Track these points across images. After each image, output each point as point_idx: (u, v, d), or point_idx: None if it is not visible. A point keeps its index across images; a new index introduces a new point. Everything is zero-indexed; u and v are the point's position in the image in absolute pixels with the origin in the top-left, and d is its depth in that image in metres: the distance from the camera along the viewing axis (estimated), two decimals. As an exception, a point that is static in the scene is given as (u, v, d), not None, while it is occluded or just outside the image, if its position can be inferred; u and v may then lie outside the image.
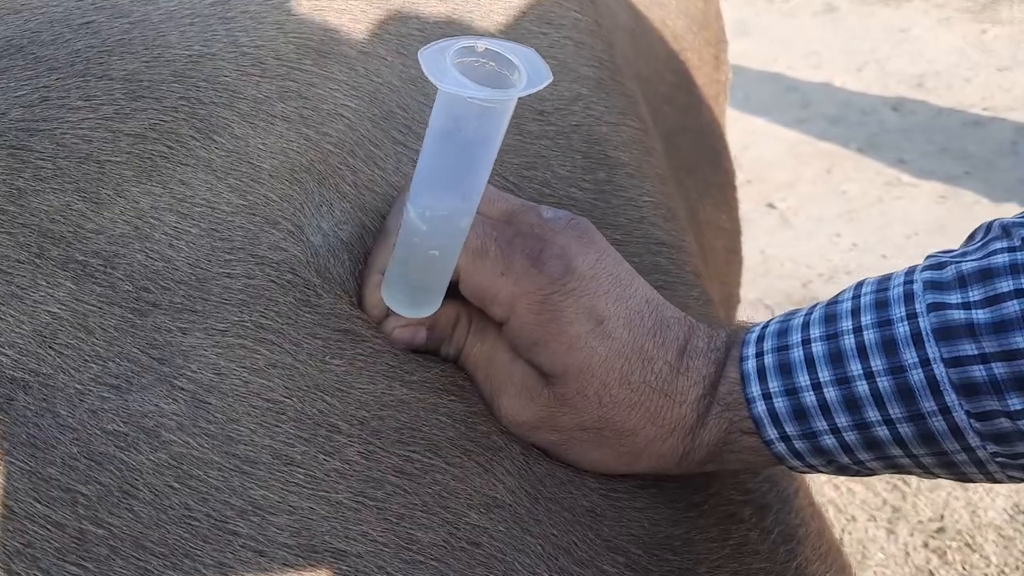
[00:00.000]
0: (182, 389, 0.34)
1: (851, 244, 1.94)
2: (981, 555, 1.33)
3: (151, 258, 0.37)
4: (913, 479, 1.47)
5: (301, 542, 0.32)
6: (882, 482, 1.47)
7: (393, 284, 0.40)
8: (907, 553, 1.36)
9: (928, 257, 0.37)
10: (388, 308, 0.40)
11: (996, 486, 1.43)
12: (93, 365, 0.34)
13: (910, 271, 0.37)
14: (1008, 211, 1.92)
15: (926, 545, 1.35)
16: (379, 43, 0.47)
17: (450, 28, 0.50)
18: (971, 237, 0.38)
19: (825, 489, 1.43)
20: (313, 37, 0.46)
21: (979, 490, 1.42)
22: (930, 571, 1.32)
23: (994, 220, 0.37)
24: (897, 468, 0.37)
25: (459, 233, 0.38)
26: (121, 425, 0.32)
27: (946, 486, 1.44)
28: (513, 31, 0.47)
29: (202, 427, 0.33)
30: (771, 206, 2.11)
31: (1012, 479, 0.36)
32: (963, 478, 0.37)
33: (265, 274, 0.38)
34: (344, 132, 0.43)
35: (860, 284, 0.38)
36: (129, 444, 0.32)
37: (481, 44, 0.36)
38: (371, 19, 0.48)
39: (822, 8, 3.00)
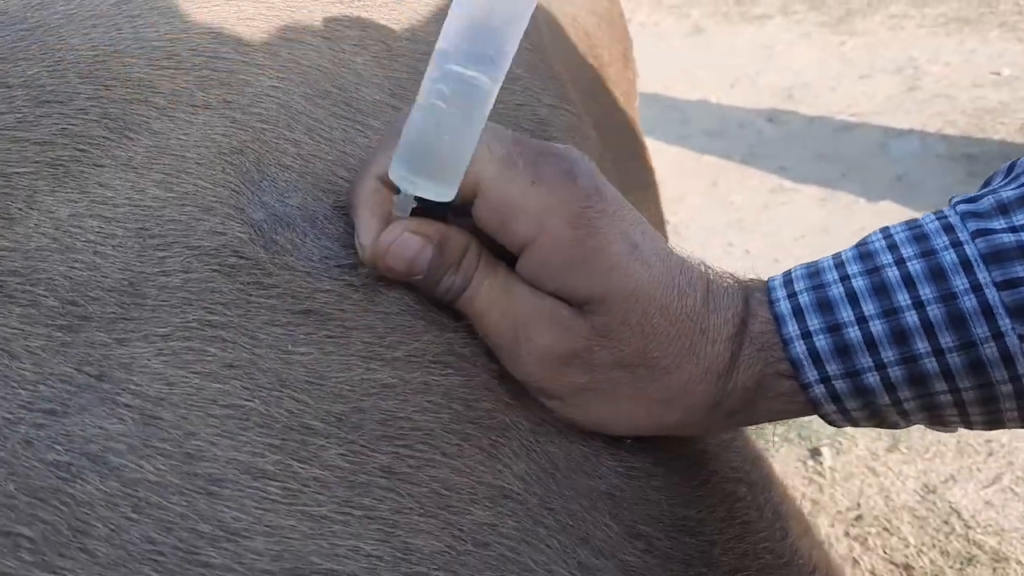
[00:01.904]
0: (127, 406, 0.29)
1: (744, 251, 2.00)
2: (899, 537, 1.37)
3: (75, 269, 0.32)
4: (827, 471, 1.50)
5: (284, 567, 0.28)
6: (799, 477, 1.50)
7: (409, 155, 0.34)
8: (830, 543, 1.38)
9: (953, 197, 0.36)
10: (391, 213, 0.35)
11: (905, 469, 1.48)
12: (21, 391, 0.29)
13: (937, 211, 0.35)
14: (885, 209, 2.02)
15: (847, 534, 1.38)
16: (304, 30, 0.44)
17: (376, 11, 0.47)
18: (989, 181, 0.37)
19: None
20: (229, 27, 0.42)
21: (890, 475, 1.47)
22: (854, 559, 1.35)
23: (1017, 159, 0.36)
24: (933, 408, 0.35)
25: (488, 98, 0.33)
26: (62, 454, 0.28)
27: (858, 474, 1.48)
28: (444, 14, 0.45)
29: (156, 446, 0.29)
30: (664, 221, 2.15)
31: None
32: (996, 419, 0.35)
33: (205, 264, 0.33)
34: (276, 110, 0.39)
35: (884, 228, 0.36)
36: (74, 474, 0.27)
37: None
38: (291, 5, 0.45)
39: (691, 30, 3.11)
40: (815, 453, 1.53)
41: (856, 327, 0.34)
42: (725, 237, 2.06)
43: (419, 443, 0.32)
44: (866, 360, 0.34)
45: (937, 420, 0.36)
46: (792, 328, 0.35)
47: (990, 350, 0.32)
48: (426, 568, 0.29)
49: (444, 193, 0.34)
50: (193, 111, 0.38)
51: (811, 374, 0.35)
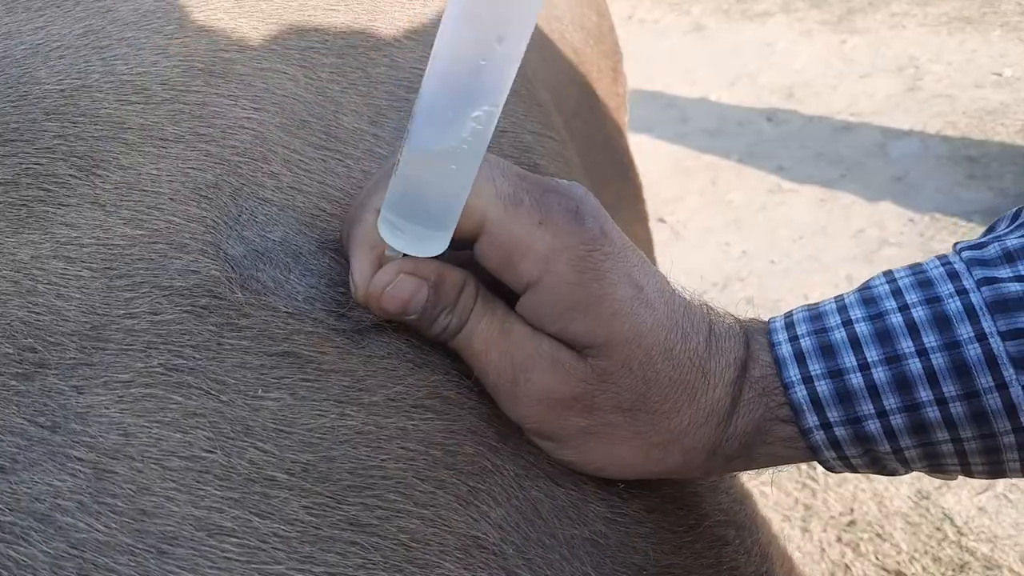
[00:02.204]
0: (79, 459, 0.29)
1: (741, 252, 1.99)
2: (892, 543, 1.37)
3: (35, 313, 0.32)
4: (821, 476, 1.50)
5: (240, 627, 0.28)
6: (792, 482, 1.50)
7: (397, 212, 0.32)
8: (823, 549, 1.39)
9: (956, 244, 0.36)
10: (384, 254, 0.33)
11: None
12: (-30, 444, 0.29)
13: (940, 257, 0.35)
14: (884, 209, 2.02)
15: (839, 539, 1.37)
16: (278, 58, 0.43)
17: (353, 37, 0.46)
18: (992, 227, 0.36)
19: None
20: (200, 59, 0.41)
21: (883, 481, 1.47)
22: (845, 565, 1.35)
23: (1021, 207, 0.36)
24: (933, 458, 0.35)
25: (483, 137, 0.31)
26: (6, 514, 0.27)
27: (852, 480, 1.48)
28: (423, 38, 0.44)
29: (107, 503, 0.28)
30: (661, 220, 2.15)
31: None
32: (998, 470, 0.35)
33: (174, 304, 0.33)
34: (252, 142, 0.38)
35: (887, 272, 0.36)
36: (17, 535, 0.27)
37: None
38: (265, 35, 0.44)
39: (691, 27, 3.10)
40: (809, 458, 1.52)
41: (859, 373, 0.34)
42: (722, 236, 2.06)
43: (389, 492, 0.31)
44: (868, 407, 0.34)
45: (938, 468, 0.35)
46: (793, 372, 0.35)
47: (993, 401, 0.32)
48: (387, 627, 0.29)
49: (435, 247, 0.33)
50: (164, 145, 0.37)
51: (811, 419, 0.35)
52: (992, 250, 0.33)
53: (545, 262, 0.33)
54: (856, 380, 0.34)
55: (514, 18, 0.29)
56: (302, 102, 0.42)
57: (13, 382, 0.30)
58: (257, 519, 0.29)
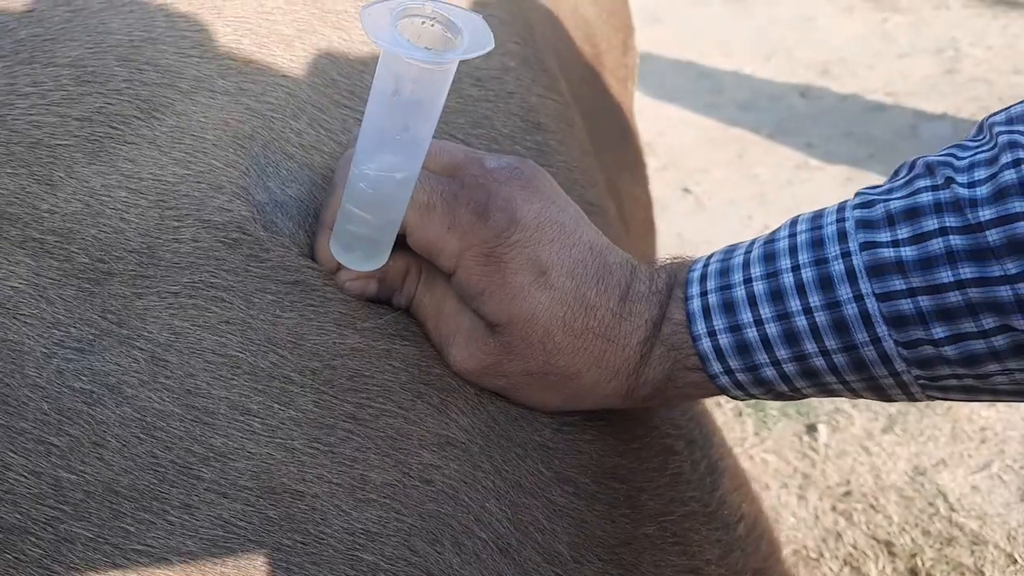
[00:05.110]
0: (141, 349, 0.36)
1: (763, 225, 2.02)
2: (884, 515, 1.38)
3: (104, 232, 0.39)
4: (821, 447, 1.54)
5: (261, 484, 0.35)
6: (793, 451, 1.53)
7: (341, 238, 0.40)
8: (816, 517, 1.40)
9: (857, 194, 0.39)
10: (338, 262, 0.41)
11: (898, 451, 1.51)
12: (55, 331, 0.36)
13: (840, 208, 0.39)
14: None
15: (834, 508, 1.40)
16: (316, 20, 0.49)
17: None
18: (896, 173, 0.40)
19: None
20: (250, 19, 0.48)
21: (882, 455, 1.49)
22: (837, 533, 1.37)
23: (918, 157, 0.39)
24: (829, 392, 0.40)
25: (404, 189, 0.39)
26: (86, 383, 0.35)
27: (851, 453, 1.51)
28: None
29: (162, 383, 0.35)
30: (686, 190, 2.17)
31: (930, 398, 0.39)
32: (886, 399, 0.40)
33: (212, 235, 0.39)
34: (285, 99, 0.45)
35: (795, 221, 0.40)
36: (95, 400, 0.34)
37: (428, 6, 0.36)
38: (306, 1, 0.50)
39: (732, -2, 3.09)
40: (811, 429, 1.55)
41: (753, 328, 0.39)
42: (746, 210, 2.08)
43: (379, 397, 0.39)
44: (763, 357, 0.40)
45: (830, 395, 0.41)
46: (701, 327, 0.40)
47: (870, 352, 0.37)
48: (376, 496, 0.36)
49: (375, 265, 0.41)
50: (212, 96, 0.44)
51: (716, 367, 0.41)
52: (878, 211, 0.37)
53: (455, 259, 0.41)
54: (752, 334, 0.39)
55: (414, 116, 0.37)
56: (332, 61, 0.48)
57: (87, 285, 0.37)
58: (277, 406, 0.36)
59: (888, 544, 1.35)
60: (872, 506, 1.41)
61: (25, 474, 0.32)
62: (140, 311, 0.37)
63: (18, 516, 0.32)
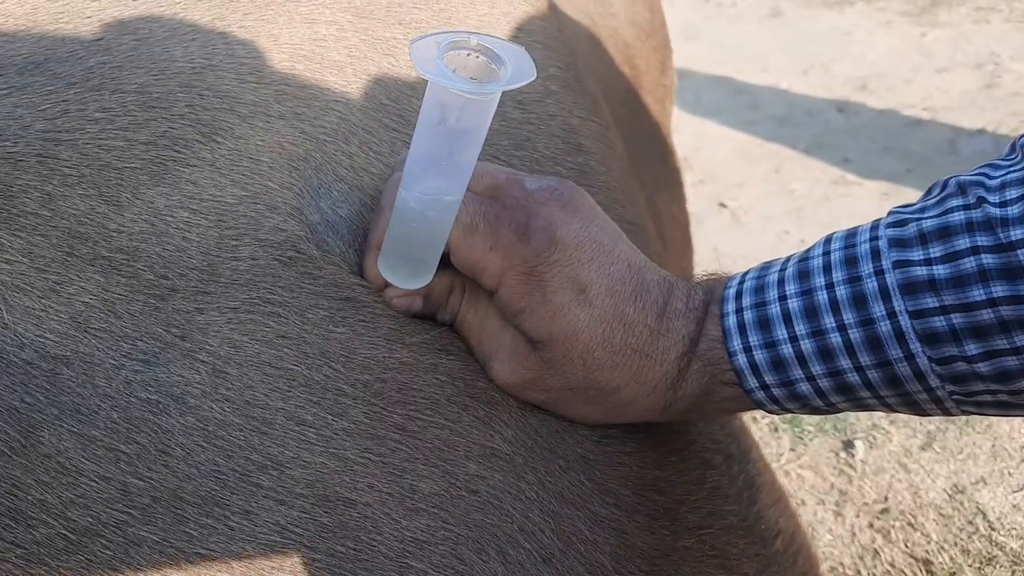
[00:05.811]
0: (203, 361, 0.38)
1: (799, 241, 2.01)
2: (923, 533, 1.37)
3: (167, 250, 0.41)
4: (858, 464, 1.53)
5: (315, 493, 0.36)
6: (830, 467, 1.52)
7: (389, 258, 0.42)
8: (853, 533, 1.39)
9: (890, 212, 0.40)
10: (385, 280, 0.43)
11: (937, 468, 1.50)
12: (124, 344, 0.38)
13: (874, 226, 0.40)
14: (946, 207, 2.01)
15: (871, 525, 1.39)
16: (366, 47, 0.51)
17: (429, 30, 0.54)
18: (929, 192, 0.40)
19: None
20: (304, 46, 0.50)
21: (920, 472, 1.48)
22: (875, 550, 1.36)
23: (950, 177, 0.39)
24: (864, 407, 0.41)
25: (449, 212, 0.41)
26: (153, 394, 0.36)
27: (888, 470, 1.50)
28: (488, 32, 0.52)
29: (223, 394, 0.37)
30: (723, 205, 2.18)
31: (965, 412, 0.40)
32: (922, 413, 0.41)
33: (268, 254, 0.41)
34: (337, 123, 0.47)
35: (829, 239, 0.41)
36: (161, 410, 0.36)
37: (473, 39, 0.37)
38: (357, 28, 0.52)
39: (768, 12, 3.09)
40: (848, 445, 1.54)
41: (788, 344, 0.40)
42: (782, 225, 2.08)
43: (427, 409, 0.40)
44: (798, 372, 0.41)
45: (864, 410, 0.42)
46: (736, 343, 0.42)
47: (903, 368, 0.38)
48: (425, 505, 0.38)
49: (421, 284, 0.43)
50: (269, 120, 0.46)
51: (752, 382, 0.42)
52: (911, 230, 0.38)
53: (497, 278, 0.42)
54: (787, 350, 0.40)
55: (459, 143, 0.39)
56: (382, 86, 0.50)
57: (152, 300, 0.39)
58: (330, 417, 0.38)
59: (927, 563, 1.34)
60: (910, 524, 1.40)
61: (96, 479, 0.34)
62: (202, 325, 0.39)
63: (90, 519, 0.34)
